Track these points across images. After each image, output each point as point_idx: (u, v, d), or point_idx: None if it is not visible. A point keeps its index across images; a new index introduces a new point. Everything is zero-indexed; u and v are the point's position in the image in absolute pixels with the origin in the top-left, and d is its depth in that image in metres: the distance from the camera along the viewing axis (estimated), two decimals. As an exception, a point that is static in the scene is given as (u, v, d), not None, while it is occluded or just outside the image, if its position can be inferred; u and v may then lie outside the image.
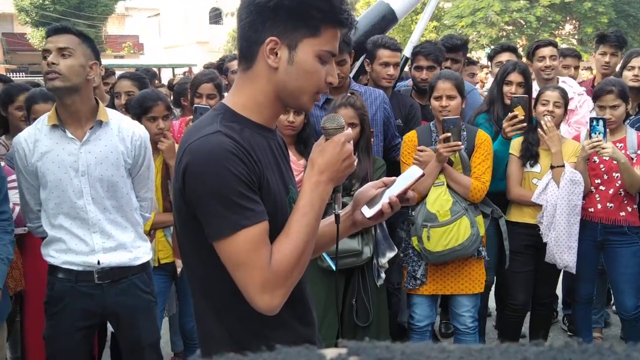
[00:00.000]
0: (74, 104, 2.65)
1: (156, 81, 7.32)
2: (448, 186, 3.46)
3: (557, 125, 3.76)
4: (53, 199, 2.68)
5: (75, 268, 2.71)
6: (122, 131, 2.77)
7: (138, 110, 3.49)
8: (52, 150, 2.66)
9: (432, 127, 3.66)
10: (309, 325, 1.70)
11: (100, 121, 2.71)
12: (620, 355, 0.36)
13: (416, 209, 3.46)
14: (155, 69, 9.60)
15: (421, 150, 3.48)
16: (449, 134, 3.36)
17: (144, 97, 3.55)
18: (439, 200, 3.41)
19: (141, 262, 2.82)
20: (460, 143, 3.38)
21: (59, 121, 2.67)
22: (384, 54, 4.07)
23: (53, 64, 2.56)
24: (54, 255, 2.73)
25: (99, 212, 2.70)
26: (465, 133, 3.58)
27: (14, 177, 3.17)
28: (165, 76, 18.78)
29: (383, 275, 3.44)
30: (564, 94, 3.79)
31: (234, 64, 3.91)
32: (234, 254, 1.44)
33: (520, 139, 3.82)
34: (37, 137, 2.69)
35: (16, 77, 19.23)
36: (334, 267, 3.15)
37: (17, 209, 3.11)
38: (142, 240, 2.86)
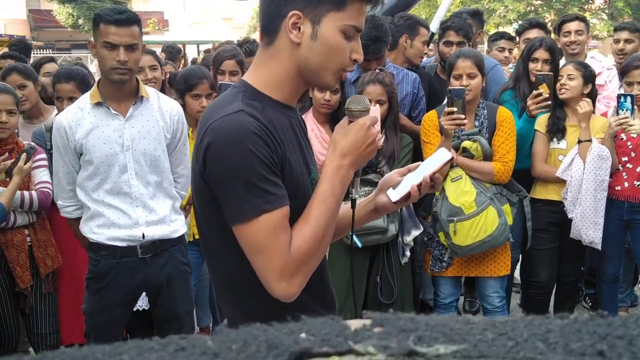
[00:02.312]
0: (127, 85, 2.73)
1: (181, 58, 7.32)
2: (471, 177, 3.39)
3: (575, 97, 3.68)
4: (99, 174, 2.73)
5: (119, 244, 2.76)
6: (161, 107, 2.83)
7: (182, 86, 3.50)
8: (97, 127, 2.71)
9: None
10: (329, 308, 1.68)
11: (142, 97, 2.77)
12: (645, 329, 0.36)
13: (437, 204, 3.41)
14: (180, 46, 9.60)
15: (450, 112, 3.27)
16: (454, 108, 3.25)
17: (189, 74, 3.56)
18: (460, 194, 3.34)
19: (178, 235, 2.89)
20: (463, 117, 3.26)
21: (102, 99, 2.72)
22: (424, 33, 4.06)
23: (125, 61, 2.62)
24: (96, 232, 2.77)
25: (142, 186, 2.76)
26: (485, 111, 3.51)
27: (41, 156, 3.23)
28: (191, 53, 18.79)
29: (408, 253, 3.43)
30: (578, 66, 3.71)
31: (229, 64, 3.87)
32: (254, 239, 1.41)
33: (547, 115, 3.76)
34: (80, 116, 2.72)
35: (43, 54, 19.38)
36: (359, 244, 3.15)
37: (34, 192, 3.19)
38: (177, 213, 2.92)
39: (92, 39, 2.73)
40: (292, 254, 1.42)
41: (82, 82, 3.52)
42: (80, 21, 27.72)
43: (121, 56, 2.61)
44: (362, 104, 1.53)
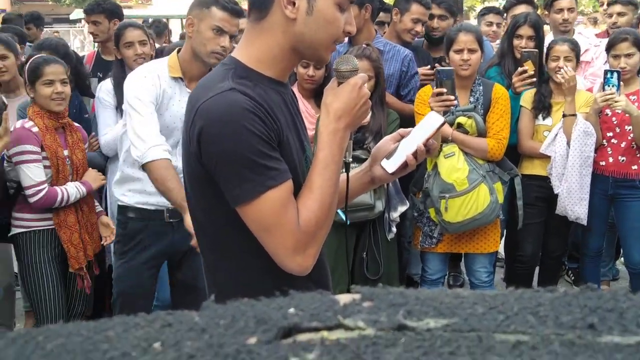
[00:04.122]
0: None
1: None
2: (465, 153, 3.38)
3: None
4: None
5: (148, 207, 2.84)
6: None
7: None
8: (171, 98, 2.75)
9: None
10: (325, 289, 1.66)
11: None
12: (636, 302, 0.36)
13: (429, 180, 3.40)
14: (165, 20, 9.47)
15: (439, 94, 3.25)
16: (443, 89, 3.22)
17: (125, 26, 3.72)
18: (452, 170, 3.33)
19: None
20: (453, 98, 3.24)
21: (182, 74, 2.76)
22: (418, 10, 3.96)
23: (227, 49, 2.65)
24: (127, 195, 2.87)
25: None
26: (481, 87, 3.50)
27: (27, 147, 3.04)
28: (175, 28, 18.55)
29: (394, 229, 3.45)
30: (573, 46, 3.71)
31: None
32: (262, 218, 1.37)
33: (532, 91, 3.77)
34: (158, 83, 2.73)
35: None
36: (345, 220, 3.15)
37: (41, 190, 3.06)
38: None
39: (191, 16, 2.70)
40: (302, 228, 1.39)
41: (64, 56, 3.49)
42: (62, -6, 27.26)
43: (226, 43, 2.66)
44: (351, 63, 1.48)
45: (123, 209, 2.90)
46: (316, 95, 3.54)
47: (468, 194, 3.31)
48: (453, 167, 3.34)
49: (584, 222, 3.72)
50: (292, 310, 0.39)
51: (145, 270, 2.91)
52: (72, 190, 3.09)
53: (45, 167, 3.06)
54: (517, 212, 3.67)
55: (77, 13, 20.50)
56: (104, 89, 3.57)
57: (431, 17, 4.16)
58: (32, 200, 3.02)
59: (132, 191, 2.86)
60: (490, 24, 5.17)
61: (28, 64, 3.12)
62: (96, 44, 5.00)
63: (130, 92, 2.72)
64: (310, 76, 3.43)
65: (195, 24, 2.67)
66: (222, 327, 0.37)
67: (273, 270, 1.45)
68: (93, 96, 3.77)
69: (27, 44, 5.26)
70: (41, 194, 3.00)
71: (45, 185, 3.02)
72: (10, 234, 3.15)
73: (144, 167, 2.65)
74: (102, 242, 3.28)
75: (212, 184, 1.41)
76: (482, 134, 3.42)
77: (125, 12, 4.91)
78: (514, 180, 3.61)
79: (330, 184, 1.43)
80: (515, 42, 3.87)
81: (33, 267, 3.10)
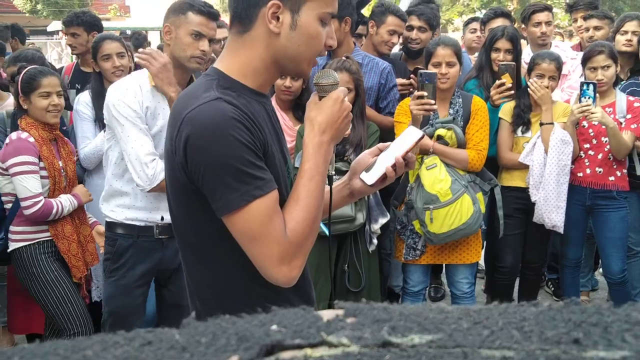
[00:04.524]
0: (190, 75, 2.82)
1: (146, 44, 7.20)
2: (446, 164, 3.40)
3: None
4: None
5: (137, 223, 2.79)
6: None
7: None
8: (155, 108, 2.73)
9: None
10: (309, 302, 1.64)
11: None
12: (619, 315, 0.36)
13: (412, 193, 3.41)
14: (144, 32, 9.43)
15: (420, 97, 3.27)
16: (424, 93, 3.25)
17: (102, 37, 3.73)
18: (435, 181, 3.34)
19: None
20: (433, 102, 3.26)
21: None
22: (394, 22, 3.99)
23: (207, 52, 2.69)
24: (115, 211, 2.81)
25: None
26: (460, 100, 3.52)
27: (26, 158, 3.01)
28: (155, 40, 18.48)
29: (375, 241, 3.44)
30: (559, 65, 3.76)
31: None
32: (248, 227, 1.37)
33: (511, 104, 3.80)
34: (141, 95, 2.71)
35: (1, 40, 18.86)
36: (327, 232, 3.14)
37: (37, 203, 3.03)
38: None
39: (167, 24, 2.71)
40: (289, 238, 1.39)
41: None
42: (39, 6, 27.05)
43: (205, 47, 2.67)
44: (331, 77, 1.51)
45: (111, 225, 2.84)
46: (293, 107, 3.54)
47: (452, 204, 3.32)
48: (436, 178, 3.35)
49: (561, 230, 3.74)
50: (274, 327, 0.38)
51: (136, 288, 2.85)
52: (66, 202, 3.08)
53: (42, 177, 3.04)
54: (497, 222, 3.69)
55: (55, 25, 20.35)
56: (82, 101, 3.54)
57: (410, 28, 4.19)
58: (28, 212, 2.99)
59: (120, 207, 2.80)
60: (475, 30, 5.25)
61: (22, 75, 3.09)
62: (74, 56, 4.96)
63: (115, 109, 2.70)
64: (287, 87, 3.43)
65: (173, 31, 2.68)
66: (203, 345, 0.36)
67: (258, 281, 1.45)
68: (71, 108, 3.73)
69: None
70: (38, 206, 2.98)
71: (42, 197, 3.01)
72: (10, 249, 3.09)
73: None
74: (100, 252, 3.25)
75: (197, 194, 1.41)
76: (461, 145, 3.44)
77: (104, 24, 4.86)
78: (493, 191, 3.64)
79: (316, 195, 1.44)
80: (493, 55, 3.91)
81: (42, 276, 3.06)
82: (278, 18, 1.42)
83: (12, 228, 3.10)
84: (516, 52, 3.89)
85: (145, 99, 2.70)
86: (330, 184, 1.63)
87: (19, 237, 3.09)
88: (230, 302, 1.52)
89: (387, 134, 3.47)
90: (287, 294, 1.50)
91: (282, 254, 1.39)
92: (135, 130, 2.66)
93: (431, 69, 3.45)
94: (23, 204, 3.00)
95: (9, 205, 3.11)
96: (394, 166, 1.63)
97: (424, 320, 0.38)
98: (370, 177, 1.64)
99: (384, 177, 1.64)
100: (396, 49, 4.57)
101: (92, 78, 3.73)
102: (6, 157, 2.99)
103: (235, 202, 1.36)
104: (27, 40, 6.89)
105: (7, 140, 3.02)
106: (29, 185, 2.96)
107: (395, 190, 3.53)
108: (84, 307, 3.15)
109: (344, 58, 3.39)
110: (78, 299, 3.11)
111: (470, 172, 3.47)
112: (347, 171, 1.77)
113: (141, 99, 2.70)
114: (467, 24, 5.63)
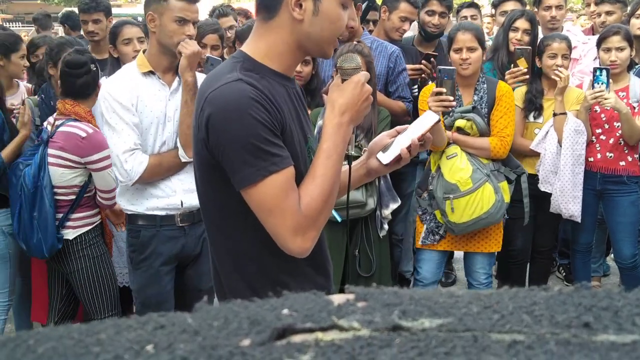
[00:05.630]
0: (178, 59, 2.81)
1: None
2: (468, 153, 3.34)
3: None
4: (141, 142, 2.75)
5: (158, 213, 2.79)
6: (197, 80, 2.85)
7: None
8: (147, 96, 2.73)
9: None
10: (325, 275, 1.74)
11: None
12: (630, 300, 0.36)
13: (433, 182, 3.38)
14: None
15: (439, 93, 3.23)
16: (443, 89, 3.20)
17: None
18: (455, 170, 3.30)
19: None
20: (452, 99, 3.21)
21: (153, 68, 2.76)
22: (406, 9, 3.98)
23: (193, 36, 2.71)
24: (134, 203, 2.80)
25: (179, 157, 2.78)
26: (485, 85, 3.47)
27: (107, 153, 3.03)
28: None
29: (386, 226, 3.44)
30: (569, 45, 3.73)
31: (211, 38, 3.86)
32: (264, 200, 1.46)
33: (523, 89, 3.78)
34: (131, 85, 2.73)
35: (13, 27, 18.93)
36: (338, 219, 3.15)
37: None
38: None
39: (150, 12, 2.70)
40: (303, 212, 1.47)
41: None
42: (51, -7, 27.09)
43: (191, 31, 2.69)
44: (354, 61, 1.57)
45: (132, 218, 2.85)
46: (305, 92, 3.53)
47: (472, 193, 3.26)
48: (456, 167, 3.31)
49: (578, 220, 3.73)
50: (285, 311, 0.38)
51: (164, 275, 2.86)
52: None
53: None
54: (522, 209, 3.63)
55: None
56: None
57: (432, 13, 4.16)
58: (110, 202, 3.12)
59: (138, 198, 2.80)
60: (465, 17, 5.15)
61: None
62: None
63: (103, 103, 2.73)
64: (298, 72, 3.43)
65: (157, 19, 2.69)
66: (215, 329, 0.37)
67: (276, 254, 1.53)
68: None
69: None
70: (116, 194, 3.07)
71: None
72: (73, 236, 3.12)
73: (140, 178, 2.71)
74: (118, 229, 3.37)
75: (218, 169, 1.50)
76: (484, 133, 3.38)
77: (114, 10, 4.91)
78: (520, 179, 3.56)
79: (332, 173, 1.51)
80: (511, 34, 3.90)
81: (103, 257, 3.18)
82: (301, 5, 1.50)
83: (72, 216, 3.13)
84: (534, 34, 3.87)
85: (135, 89, 2.72)
86: (350, 162, 1.72)
87: (81, 223, 3.15)
88: (250, 275, 1.61)
89: (398, 120, 3.46)
90: (304, 267, 1.61)
91: (296, 226, 1.46)
92: (121, 124, 2.68)
93: (452, 55, 3.42)
94: (107, 195, 3.09)
95: (63, 197, 3.12)
96: (409, 148, 1.70)
97: (434, 304, 0.38)
98: (386, 157, 1.72)
99: (399, 157, 1.71)
100: (409, 33, 4.54)
101: (108, 63, 3.76)
102: (89, 151, 3.02)
103: (252, 177, 1.45)
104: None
105: (79, 133, 3.03)
106: (112, 178, 3.02)
107: (420, 179, 3.51)
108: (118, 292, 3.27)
109: (355, 42, 3.38)
110: (117, 284, 3.25)
111: (495, 160, 3.41)
112: (356, 156, 1.81)
113: (131, 89, 2.71)
114: (457, 11, 5.40)
